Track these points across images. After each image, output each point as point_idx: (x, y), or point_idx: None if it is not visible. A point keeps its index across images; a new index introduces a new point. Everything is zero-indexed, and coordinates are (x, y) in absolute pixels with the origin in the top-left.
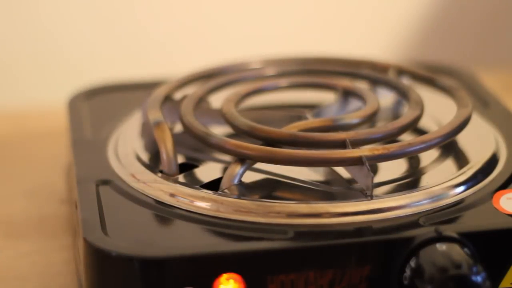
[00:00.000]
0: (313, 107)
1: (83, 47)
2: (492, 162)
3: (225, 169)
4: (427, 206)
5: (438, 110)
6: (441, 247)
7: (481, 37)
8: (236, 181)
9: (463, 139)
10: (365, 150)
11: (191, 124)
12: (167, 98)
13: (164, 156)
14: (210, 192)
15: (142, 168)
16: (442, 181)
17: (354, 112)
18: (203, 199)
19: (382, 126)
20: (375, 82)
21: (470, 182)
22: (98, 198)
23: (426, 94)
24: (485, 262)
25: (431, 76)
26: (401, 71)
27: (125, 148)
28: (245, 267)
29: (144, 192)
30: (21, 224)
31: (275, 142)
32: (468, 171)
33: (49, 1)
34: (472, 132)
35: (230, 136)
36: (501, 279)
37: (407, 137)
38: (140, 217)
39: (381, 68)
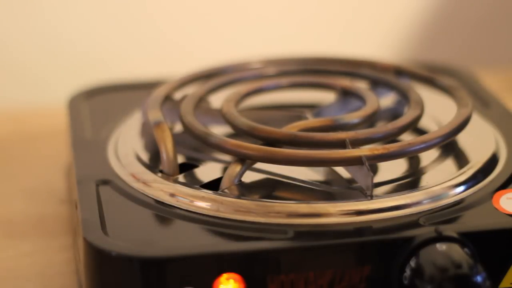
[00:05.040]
0: (313, 107)
1: (83, 47)
2: (492, 162)
3: (225, 169)
4: (427, 206)
5: (438, 110)
6: (441, 247)
7: (481, 37)
8: (236, 181)
9: (463, 139)
10: (365, 150)
11: (191, 124)
12: (167, 98)
13: (164, 156)
14: (210, 192)
15: (142, 168)
16: (442, 181)
17: (354, 112)
18: (203, 199)
19: (382, 126)
20: (375, 82)
21: (470, 182)
22: (98, 198)
23: (426, 94)
24: (485, 262)
25: (431, 76)
26: (401, 71)
27: (125, 148)
28: (245, 267)
29: (144, 192)
30: (21, 224)
31: (275, 142)
32: (468, 171)
33: (50, 2)
34: (472, 132)
35: (230, 136)
36: (501, 279)
37: (407, 137)
38: (140, 217)
39: (381, 68)
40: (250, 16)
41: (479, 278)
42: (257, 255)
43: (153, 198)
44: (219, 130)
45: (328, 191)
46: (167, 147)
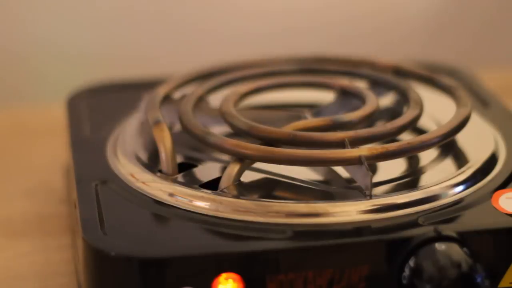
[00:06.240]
0: (312, 107)
1: (82, 47)
2: (491, 161)
3: (224, 169)
4: (426, 205)
5: (437, 110)
6: (440, 246)
7: (481, 37)
8: (235, 181)
9: (462, 139)
10: (363, 150)
11: (190, 124)
12: (166, 98)
13: (163, 155)
14: (209, 191)
15: (141, 168)
16: (441, 181)
17: (353, 112)
18: (202, 198)
19: (381, 126)
20: (374, 82)
21: (469, 181)
22: (97, 197)
23: (425, 94)
24: (484, 261)
25: (431, 75)
26: (401, 71)
27: (124, 147)
28: (244, 267)
29: (143, 191)
30: (20, 224)
31: (274, 142)
32: (467, 171)
33: (49, 1)
34: (471, 131)
35: (229, 135)
36: (500, 278)
37: (406, 137)
38: (139, 216)
39: (381, 67)
40: (249, 16)
41: (478, 278)
42: (256, 255)
43: (152, 198)
44: (218, 130)
45: (327, 190)
46: (166, 147)
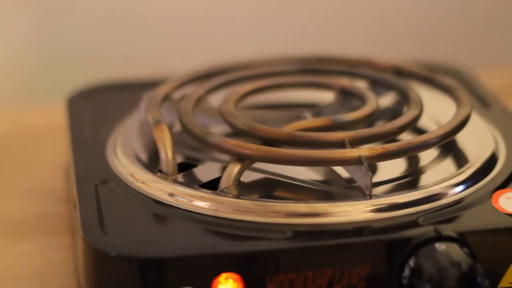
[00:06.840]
0: (312, 107)
1: (82, 47)
2: (491, 161)
3: (224, 169)
4: (426, 205)
5: (437, 110)
6: (440, 246)
7: (481, 37)
8: (235, 181)
9: (462, 139)
10: (363, 150)
11: (190, 124)
12: (166, 98)
13: (163, 155)
14: (209, 191)
15: (141, 168)
16: (441, 181)
17: (353, 112)
18: (202, 198)
19: (381, 126)
20: (374, 82)
21: (469, 181)
22: (97, 197)
23: (425, 93)
24: (484, 261)
25: (431, 75)
26: (401, 71)
27: (124, 147)
28: (244, 267)
29: (143, 191)
30: (20, 224)
31: (274, 142)
32: (467, 171)
33: (49, 1)
34: (471, 131)
35: (229, 135)
36: (500, 278)
37: (406, 137)
38: (139, 216)
39: (381, 67)
40: (249, 16)
41: (478, 278)
42: (256, 255)
43: (152, 198)
44: (218, 130)
45: (327, 190)
46: (166, 147)
